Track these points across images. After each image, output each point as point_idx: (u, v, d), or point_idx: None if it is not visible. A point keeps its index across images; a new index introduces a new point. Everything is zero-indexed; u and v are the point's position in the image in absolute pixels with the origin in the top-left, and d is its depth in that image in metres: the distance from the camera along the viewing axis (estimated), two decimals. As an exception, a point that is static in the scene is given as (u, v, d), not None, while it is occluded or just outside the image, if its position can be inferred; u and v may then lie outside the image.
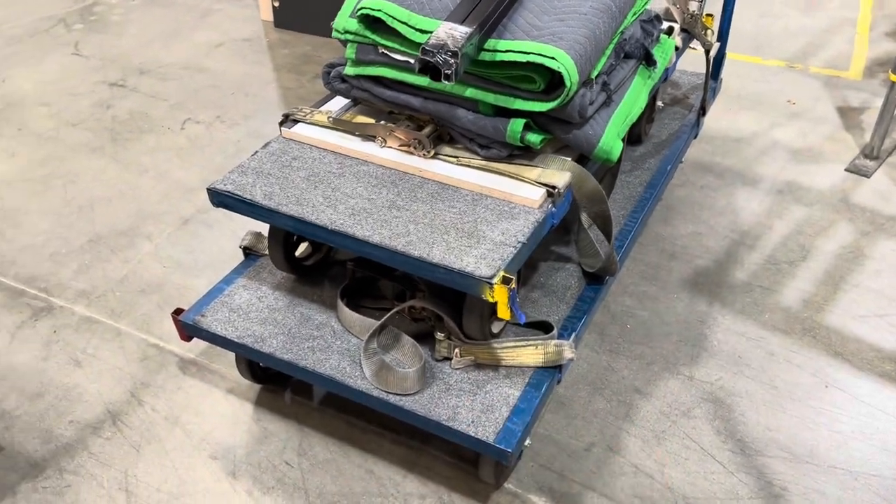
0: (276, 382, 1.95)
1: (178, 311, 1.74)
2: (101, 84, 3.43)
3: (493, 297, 1.32)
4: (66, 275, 2.34)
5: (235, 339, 1.66)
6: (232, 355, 2.02)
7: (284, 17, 3.85)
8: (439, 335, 1.57)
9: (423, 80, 1.52)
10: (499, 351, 1.55)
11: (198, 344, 2.05)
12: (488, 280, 1.31)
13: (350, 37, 1.57)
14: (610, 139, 1.53)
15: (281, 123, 1.73)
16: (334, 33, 1.61)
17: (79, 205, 2.64)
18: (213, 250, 2.43)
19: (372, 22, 1.51)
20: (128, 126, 3.09)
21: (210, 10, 4.15)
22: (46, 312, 2.21)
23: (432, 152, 1.58)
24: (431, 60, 1.29)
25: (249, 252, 1.90)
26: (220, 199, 1.57)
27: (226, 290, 1.80)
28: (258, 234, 1.91)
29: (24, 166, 2.85)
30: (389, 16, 1.46)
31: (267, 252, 1.88)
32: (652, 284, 2.26)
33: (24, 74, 3.53)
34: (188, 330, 1.73)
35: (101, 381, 1.99)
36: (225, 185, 1.57)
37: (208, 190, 1.58)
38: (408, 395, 1.52)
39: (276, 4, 3.82)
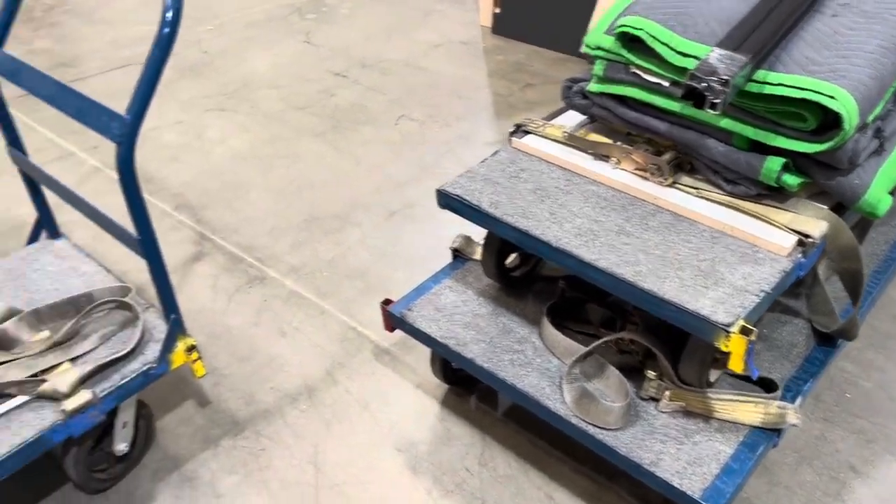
0: (464, 386, 1.96)
1: (386, 302, 1.79)
2: (327, 73, 3.64)
3: (727, 346, 1.22)
4: (280, 249, 2.49)
5: (439, 338, 1.68)
6: (424, 351, 2.05)
7: (503, 24, 3.89)
8: (650, 374, 1.49)
9: (672, 105, 1.44)
10: (714, 402, 1.45)
11: (393, 334, 2.09)
12: (725, 328, 1.22)
13: (601, 53, 1.53)
14: (878, 192, 1.37)
15: (512, 133, 1.72)
16: (584, 48, 1.57)
17: (298, 185, 2.81)
18: (415, 246, 2.49)
19: (629, 40, 1.46)
20: (348, 116, 3.26)
21: (432, 11, 4.28)
22: (260, 281, 2.36)
23: (670, 180, 1.50)
24: (698, 87, 1.22)
25: (458, 254, 1.92)
26: (448, 201, 1.59)
27: (433, 289, 1.82)
28: (468, 238, 1.92)
29: (255, 143, 3.08)
30: (651, 36, 1.40)
31: (475, 256, 1.89)
32: (879, 353, 2.02)
33: (260, 57, 3.82)
34: (394, 321, 1.77)
35: (302, 354, 2.09)
36: (454, 188, 1.58)
37: (437, 191, 1.60)
38: (608, 429, 1.45)
39: (497, 11, 3.87)
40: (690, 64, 1.35)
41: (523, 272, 1.82)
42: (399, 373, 2.03)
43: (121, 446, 1.71)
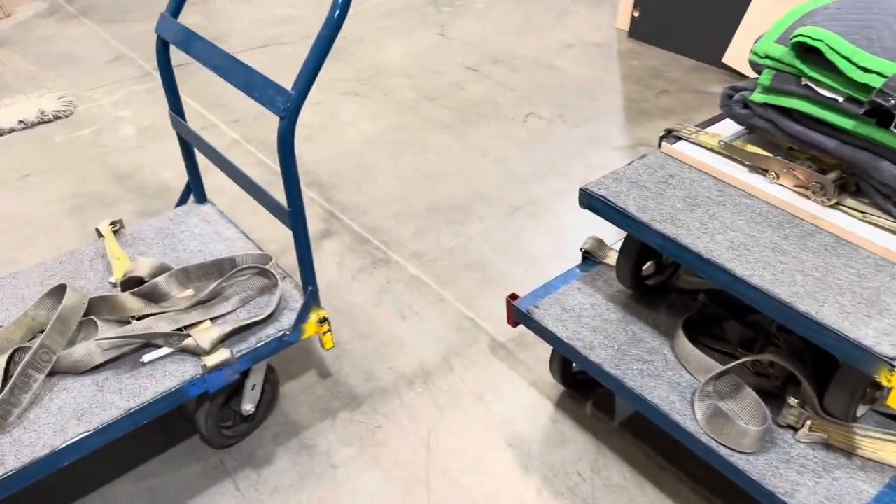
0: (581, 390, 1.93)
1: (513, 297, 1.79)
2: (459, 66, 3.67)
3: (890, 381, 1.15)
4: (404, 234, 2.54)
5: (565, 339, 1.66)
6: (541, 350, 2.04)
7: (641, 29, 3.81)
8: (792, 401, 1.42)
9: (845, 122, 1.37)
10: (860, 438, 1.37)
11: (509, 329, 2.10)
12: (890, 361, 1.15)
13: (770, 62, 1.47)
14: None
15: (662, 138, 1.68)
16: (752, 56, 1.51)
17: (425, 173, 2.85)
18: (536, 244, 2.47)
19: (804, 51, 1.40)
20: (477, 109, 3.27)
21: (567, 11, 4.24)
22: (384, 264, 2.41)
23: (833, 201, 1.42)
24: (886, 104, 1.15)
25: (588, 256, 1.89)
26: (591, 201, 1.57)
27: (560, 289, 1.81)
28: (600, 241, 1.89)
29: (385, 129, 3.15)
30: (831, 48, 1.33)
31: (606, 260, 1.86)
32: None
33: (394, 46, 3.90)
34: (519, 317, 1.77)
35: (420, 338, 2.12)
36: (599, 188, 1.56)
37: (581, 190, 1.59)
38: (741, 452, 1.40)
39: (636, 14, 3.79)
40: (874, 80, 1.27)
41: (657, 281, 1.78)
42: (514, 369, 2.02)
43: (248, 406, 1.79)
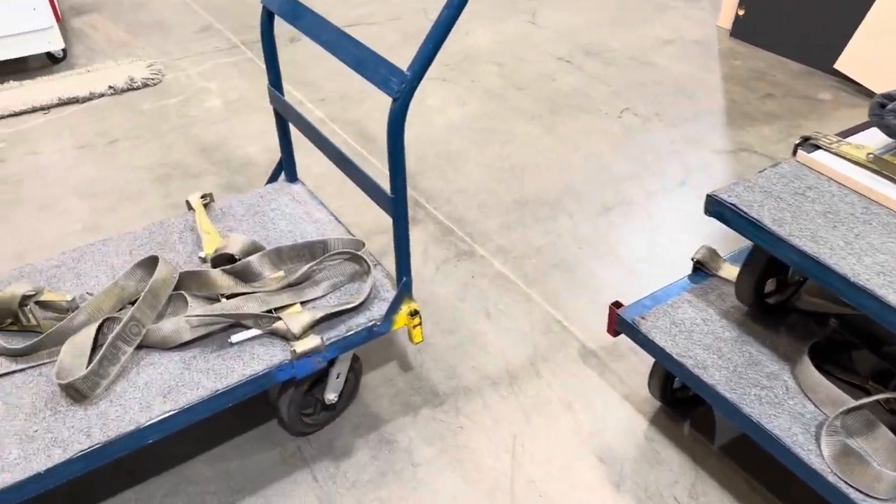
0: (679, 409, 1.82)
1: (616, 304, 1.68)
2: (549, 56, 3.54)
3: None
4: (490, 227, 2.44)
5: (674, 356, 1.55)
6: (636, 361, 1.93)
7: (745, 28, 3.61)
8: (939, 446, 1.29)
9: None
10: None
11: (600, 336, 1.99)
12: None
13: (939, 69, 1.32)
14: None
15: (798, 146, 1.54)
16: (916, 61, 1.36)
17: (511, 164, 2.75)
18: (627, 246, 2.35)
19: None
20: (567, 101, 3.15)
21: (665, 6, 4.06)
22: (468, 257, 2.32)
23: None
24: None
25: (700, 267, 1.77)
26: (719, 209, 1.45)
27: (669, 300, 1.69)
28: (714, 252, 1.77)
29: (471, 116, 3.05)
30: None
31: (719, 273, 1.74)
32: None
33: (483, 32, 3.79)
34: (622, 326, 1.66)
35: (505, 337, 2.03)
36: (729, 196, 1.44)
37: (708, 196, 1.47)
38: (875, 497, 1.27)
39: (741, 13, 3.59)
40: None
41: (777, 301, 1.64)
42: (606, 379, 1.91)
43: (331, 395, 1.73)
